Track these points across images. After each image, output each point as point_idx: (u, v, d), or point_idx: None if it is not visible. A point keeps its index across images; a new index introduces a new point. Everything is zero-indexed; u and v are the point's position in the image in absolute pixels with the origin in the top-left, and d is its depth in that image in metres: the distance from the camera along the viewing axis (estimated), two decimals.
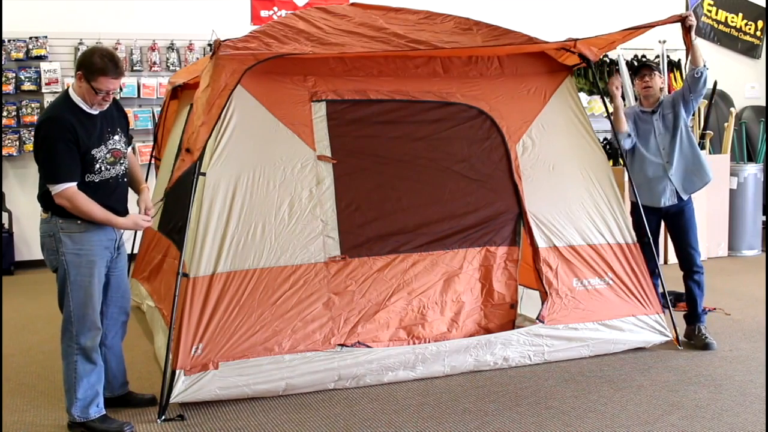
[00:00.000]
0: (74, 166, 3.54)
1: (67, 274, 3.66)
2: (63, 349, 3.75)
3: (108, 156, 3.68)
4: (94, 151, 3.62)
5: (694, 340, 5.04)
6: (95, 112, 3.65)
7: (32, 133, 7.85)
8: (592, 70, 5.25)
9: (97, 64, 3.52)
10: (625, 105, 8.99)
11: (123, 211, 3.80)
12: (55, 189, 3.53)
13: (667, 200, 5.15)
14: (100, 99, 3.59)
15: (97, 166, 3.64)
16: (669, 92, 9.57)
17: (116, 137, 3.75)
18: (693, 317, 5.12)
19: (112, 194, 3.73)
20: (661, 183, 5.15)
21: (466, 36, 4.71)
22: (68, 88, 3.67)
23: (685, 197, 5.16)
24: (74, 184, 3.55)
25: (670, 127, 5.15)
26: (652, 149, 5.16)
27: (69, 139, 3.51)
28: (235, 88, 4.15)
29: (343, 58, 4.51)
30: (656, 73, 5.21)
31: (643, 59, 9.64)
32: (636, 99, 9.05)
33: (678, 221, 5.17)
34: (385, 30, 4.55)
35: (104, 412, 3.80)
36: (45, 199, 3.64)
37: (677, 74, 9.83)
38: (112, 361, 3.99)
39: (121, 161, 3.77)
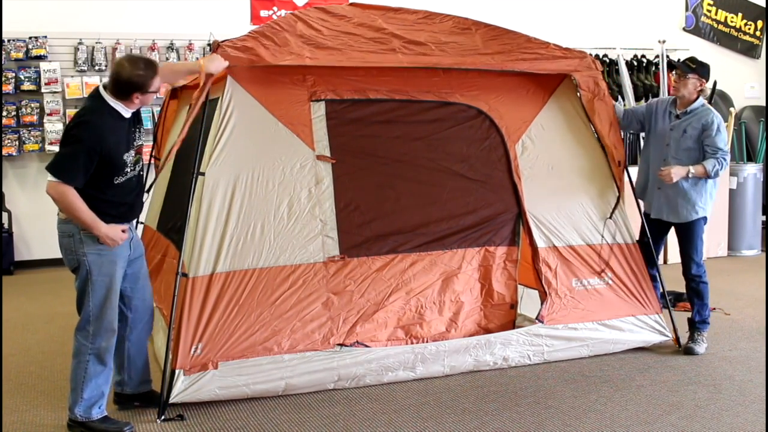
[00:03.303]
0: (83, 173, 3.54)
1: (89, 273, 3.66)
2: (76, 347, 3.74)
3: (134, 156, 3.76)
4: (125, 156, 3.68)
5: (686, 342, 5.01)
6: (128, 115, 3.71)
7: (32, 132, 7.86)
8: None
9: (142, 77, 3.59)
10: (624, 105, 9.00)
11: (139, 206, 3.90)
12: (53, 179, 3.53)
13: (652, 211, 5.04)
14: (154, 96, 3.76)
15: (126, 169, 3.70)
16: (668, 92, 9.58)
17: (138, 133, 3.83)
18: (690, 323, 5.08)
19: (133, 191, 3.81)
20: (653, 193, 5.06)
21: (464, 36, 4.71)
22: (99, 89, 3.66)
23: (668, 219, 4.99)
24: (72, 187, 3.54)
25: (686, 144, 4.88)
26: (659, 154, 4.99)
27: (96, 150, 3.53)
28: (226, 83, 4.18)
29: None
30: (691, 76, 4.86)
31: (643, 59, 9.64)
32: (635, 99, 9.09)
33: (681, 229, 5.03)
34: (384, 30, 4.55)
35: (105, 413, 3.81)
36: None
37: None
38: (135, 357, 4.00)
39: (140, 156, 3.86)
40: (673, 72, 5.06)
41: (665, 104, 5.10)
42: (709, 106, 5.00)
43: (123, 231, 3.71)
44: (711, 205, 5.03)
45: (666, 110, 5.06)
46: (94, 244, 3.65)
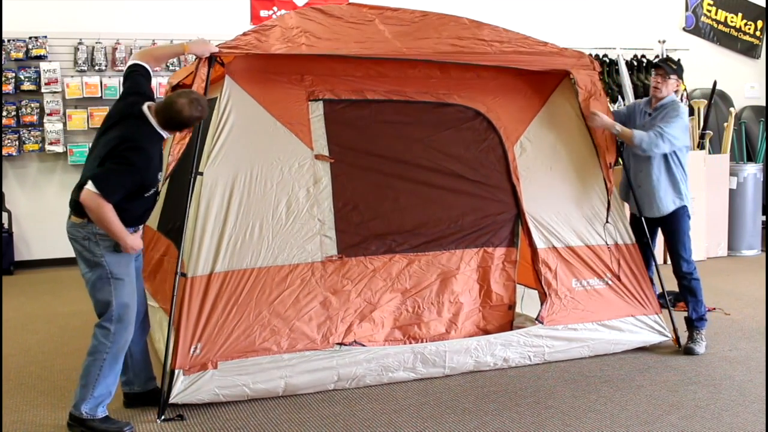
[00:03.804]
0: (122, 194, 3.60)
1: (110, 274, 3.70)
2: (94, 345, 3.75)
3: (162, 171, 3.89)
4: (159, 175, 3.80)
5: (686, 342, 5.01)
6: (166, 137, 3.82)
7: (32, 132, 7.86)
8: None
9: (199, 118, 3.77)
10: (624, 104, 9.01)
11: (149, 214, 3.94)
12: (94, 190, 3.54)
13: (636, 211, 5.07)
14: None
15: (156, 183, 3.80)
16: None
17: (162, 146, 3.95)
18: (688, 322, 5.07)
19: (152, 199, 3.86)
20: (634, 191, 5.07)
21: (461, 31, 4.70)
22: (144, 111, 3.69)
23: (650, 215, 5.01)
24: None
25: None
26: (635, 154, 5.02)
27: (141, 177, 3.64)
28: (224, 82, 4.18)
29: (341, 58, 4.49)
30: (672, 77, 4.97)
31: (643, 59, 9.65)
32: (635, 99, 9.08)
33: (666, 226, 5.06)
34: (381, 30, 4.54)
35: (107, 413, 3.83)
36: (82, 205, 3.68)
37: None
38: (136, 354, 4.03)
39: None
40: (653, 71, 5.10)
41: (642, 105, 5.20)
42: (679, 101, 5.05)
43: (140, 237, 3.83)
44: (689, 197, 5.03)
45: (642, 110, 5.15)
46: (110, 246, 3.70)
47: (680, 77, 5.06)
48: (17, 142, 7.85)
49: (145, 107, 3.71)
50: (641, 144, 4.82)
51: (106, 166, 3.59)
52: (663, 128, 4.83)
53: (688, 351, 4.90)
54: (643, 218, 5.06)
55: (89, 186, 3.53)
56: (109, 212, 3.55)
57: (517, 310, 4.93)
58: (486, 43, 4.62)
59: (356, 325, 4.38)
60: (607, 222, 4.94)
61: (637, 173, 5.06)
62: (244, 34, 4.30)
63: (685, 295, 5.08)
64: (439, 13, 4.85)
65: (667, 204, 4.98)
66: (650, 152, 4.84)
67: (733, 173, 8.53)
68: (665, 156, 4.93)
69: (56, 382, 4.52)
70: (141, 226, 3.89)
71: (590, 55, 5.10)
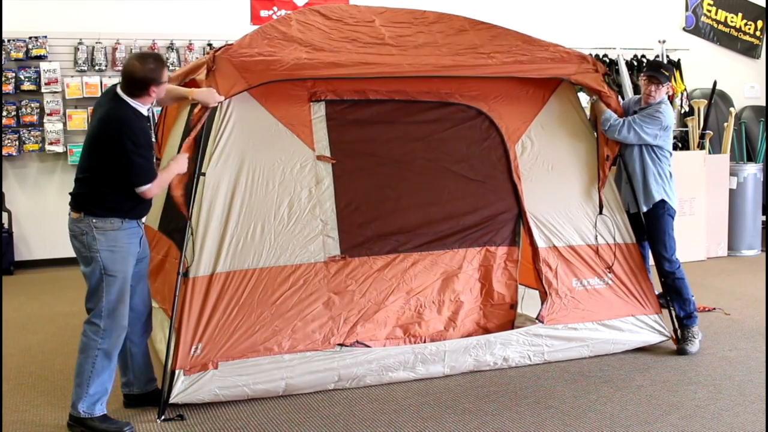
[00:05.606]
0: (152, 163, 3.82)
1: (103, 269, 3.73)
2: (84, 342, 3.76)
3: (153, 153, 3.98)
4: (152, 151, 3.88)
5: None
6: (146, 113, 3.86)
7: (31, 132, 7.86)
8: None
9: (154, 70, 3.75)
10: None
11: (151, 202, 3.99)
12: (146, 187, 3.73)
13: (624, 205, 5.10)
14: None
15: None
16: (671, 92, 9.58)
17: (152, 130, 4.09)
18: (678, 321, 5.05)
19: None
20: (623, 187, 5.12)
21: (461, 36, 4.70)
22: (118, 93, 3.76)
23: (644, 208, 5.02)
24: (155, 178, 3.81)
25: None
26: (624, 151, 5.08)
27: (150, 144, 3.80)
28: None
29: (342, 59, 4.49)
30: (666, 84, 5.03)
31: (643, 59, 9.64)
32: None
33: (648, 224, 5.05)
34: (381, 34, 4.54)
35: (105, 412, 3.82)
36: (79, 199, 3.76)
37: (677, 74, 9.84)
38: (137, 355, 4.04)
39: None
40: (644, 78, 5.09)
41: (632, 103, 5.25)
42: (665, 103, 5.07)
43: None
44: (672, 193, 5.04)
45: (632, 109, 5.16)
46: (107, 241, 3.72)
47: (670, 81, 5.11)
48: (17, 142, 7.85)
49: (118, 88, 3.79)
50: (606, 123, 4.92)
51: (133, 164, 3.67)
52: (635, 119, 4.94)
53: (681, 351, 4.90)
54: (642, 214, 5.05)
55: (141, 188, 3.72)
56: (164, 183, 3.88)
57: (518, 310, 4.93)
58: (486, 56, 4.61)
59: (360, 325, 4.38)
60: (600, 213, 4.94)
61: (626, 168, 5.10)
62: (249, 42, 4.28)
63: (671, 295, 5.07)
64: (439, 13, 4.85)
65: (648, 199, 4.99)
66: (612, 134, 4.93)
67: (733, 173, 8.53)
68: (645, 152, 4.99)
69: (56, 382, 4.52)
70: (142, 223, 3.91)
71: (592, 56, 5.09)
